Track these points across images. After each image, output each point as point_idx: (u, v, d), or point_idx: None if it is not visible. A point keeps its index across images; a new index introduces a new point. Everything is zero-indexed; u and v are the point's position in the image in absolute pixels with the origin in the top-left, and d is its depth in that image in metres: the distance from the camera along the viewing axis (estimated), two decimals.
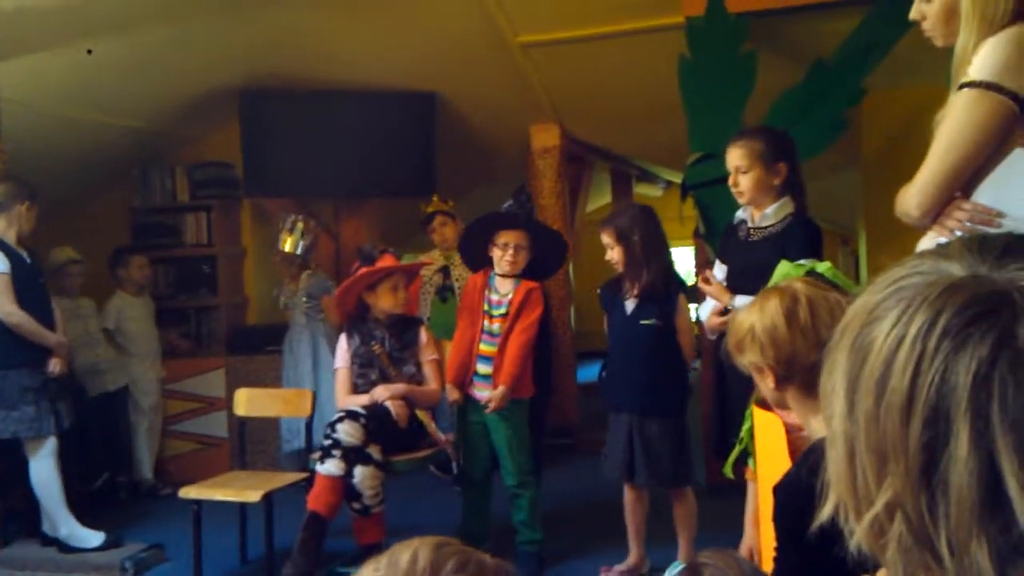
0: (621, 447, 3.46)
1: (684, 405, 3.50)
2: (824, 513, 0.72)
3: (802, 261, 2.31)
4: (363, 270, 3.79)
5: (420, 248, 5.58)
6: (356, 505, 3.50)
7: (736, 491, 2.70)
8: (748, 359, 1.60)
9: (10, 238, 3.97)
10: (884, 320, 0.66)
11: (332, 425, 3.54)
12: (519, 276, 3.80)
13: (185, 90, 5.27)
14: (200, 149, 5.93)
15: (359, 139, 5.45)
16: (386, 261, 3.83)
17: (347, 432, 3.50)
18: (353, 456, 3.49)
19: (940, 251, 0.69)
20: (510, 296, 3.78)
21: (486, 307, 3.82)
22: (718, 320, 3.00)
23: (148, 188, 5.83)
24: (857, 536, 0.67)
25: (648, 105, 5.17)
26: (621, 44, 4.78)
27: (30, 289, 3.96)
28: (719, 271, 3.17)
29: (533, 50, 4.98)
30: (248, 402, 4.12)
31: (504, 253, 3.75)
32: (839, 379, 0.69)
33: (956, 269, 0.66)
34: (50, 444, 3.96)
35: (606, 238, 3.49)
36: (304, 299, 5.28)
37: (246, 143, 5.39)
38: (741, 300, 2.82)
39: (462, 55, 5.12)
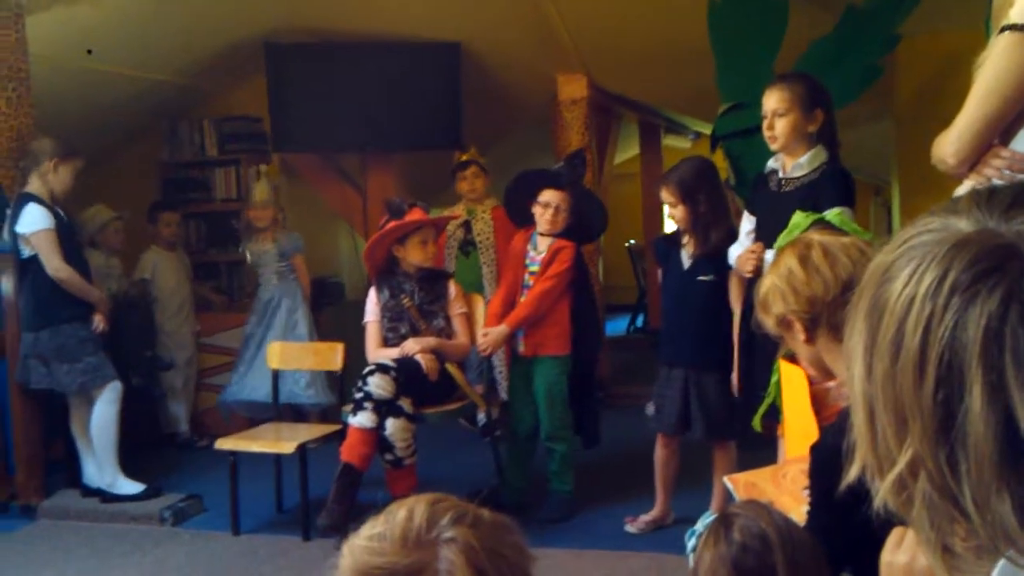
0: (676, 401, 3.46)
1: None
2: (851, 474, 0.73)
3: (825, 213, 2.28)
4: (392, 223, 3.80)
5: (446, 202, 5.58)
6: (388, 457, 3.55)
7: (763, 445, 2.71)
8: (775, 313, 1.60)
9: (43, 196, 4.01)
10: (896, 280, 0.66)
11: (363, 378, 3.58)
12: (557, 236, 3.81)
13: (210, 43, 5.26)
14: (227, 103, 5.93)
15: (384, 91, 5.42)
16: (415, 215, 3.83)
17: (378, 385, 3.54)
18: (384, 408, 3.53)
19: (950, 206, 0.68)
20: (545, 255, 3.81)
21: (527, 263, 3.87)
22: (752, 256, 2.96)
23: (177, 142, 5.87)
24: (882, 495, 0.68)
25: (677, 54, 5.08)
26: None
27: (70, 247, 4.03)
28: (747, 223, 3.13)
29: None
30: (280, 355, 4.18)
31: (544, 211, 3.78)
32: (857, 341, 0.69)
33: (965, 224, 0.65)
34: (116, 389, 4.08)
35: (668, 196, 3.41)
36: (276, 258, 5.20)
37: (272, 97, 5.38)
38: (772, 255, 2.79)
39: (487, 3, 5.06)
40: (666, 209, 3.51)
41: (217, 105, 5.93)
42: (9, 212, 4.01)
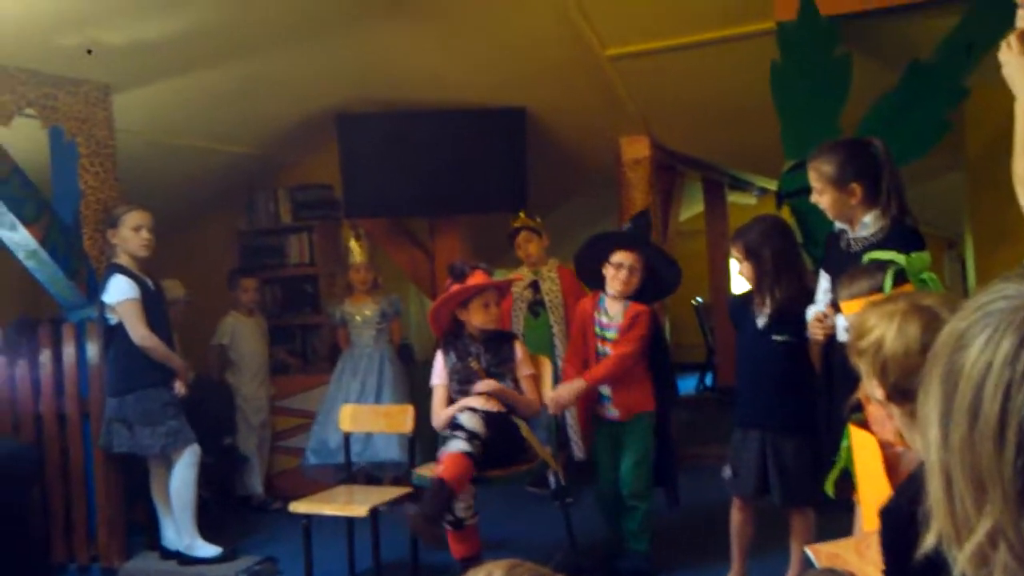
0: (753, 464, 3.38)
1: (818, 422, 3.36)
2: (928, 542, 0.71)
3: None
4: (455, 287, 3.85)
5: (512, 263, 5.64)
6: (449, 518, 3.55)
7: (843, 509, 2.64)
8: (863, 366, 1.54)
9: (128, 264, 4.17)
10: (972, 347, 0.66)
11: (454, 419, 3.61)
12: (629, 298, 3.81)
13: (286, 115, 5.47)
14: (301, 172, 6.14)
15: (452, 156, 5.55)
16: (477, 278, 3.87)
17: (470, 420, 3.55)
18: (477, 442, 3.51)
19: None
20: (619, 320, 3.80)
21: (597, 330, 3.85)
22: (818, 325, 2.96)
23: (254, 211, 6.08)
24: (960, 565, 0.67)
25: (740, 112, 5.11)
26: (711, 52, 4.74)
27: (155, 315, 4.17)
28: (824, 281, 3.11)
29: (621, 62, 4.99)
30: (352, 418, 4.23)
31: (617, 272, 3.77)
32: (932, 407, 0.69)
33: None
34: (195, 452, 4.18)
35: (735, 253, 3.43)
36: (378, 320, 5.31)
37: (343, 165, 5.55)
38: (842, 320, 2.78)
39: (551, 70, 5.16)
40: (735, 266, 3.50)
41: (291, 174, 6.14)
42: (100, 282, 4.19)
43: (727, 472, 3.47)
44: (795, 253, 3.45)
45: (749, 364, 3.48)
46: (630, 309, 3.80)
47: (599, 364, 3.79)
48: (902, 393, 1.49)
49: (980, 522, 0.64)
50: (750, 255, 3.36)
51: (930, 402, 0.70)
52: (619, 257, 3.78)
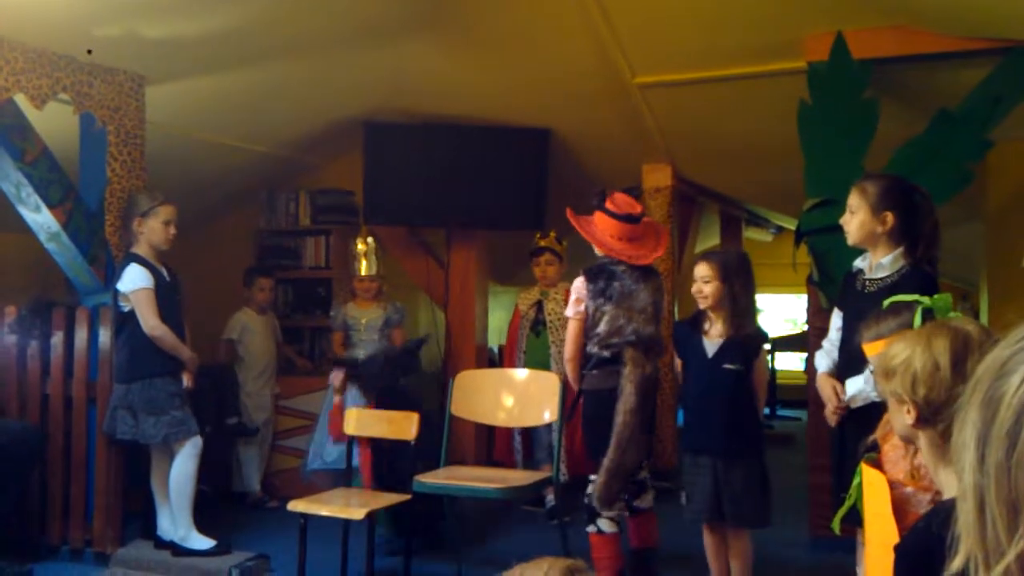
0: (706, 489, 3.42)
1: (763, 447, 3.50)
2: (954, 566, 0.72)
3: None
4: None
5: (525, 282, 5.66)
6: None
7: (836, 547, 2.65)
8: (892, 388, 1.52)
9: (146, 254, 4.21)
10: (1014, 374, 0.67)
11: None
12: None
13: (313, 120, 5.52)
14: (322, 176, 6.19)
15: (475, 171, 5.59)
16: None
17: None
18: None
19: None
20: None
21: None
22: (833, 413, 2.99)
23: (273, 211, 6.12)
24: None
25: (763, 149, 5.14)
26: (739, 87, 4.77)
27: (167, 305, 4.19)
28: (836, 319, 3.14)
29: (650, 91, 5.02)
30: (357, 422, 4.25)
31: None
32: (970, 432, 0.70)
33: None
34: (197, 444, 4.18)
35: (707, 271, 3.45)
36: (380, 325, 5.28)
37: (367, 171, 5.59)
38: (852, 385, 2.83)
39: (579, 94, 5.20)
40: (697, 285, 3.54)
41: (312, 177, 6.18)
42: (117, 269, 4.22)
43: (684, 499, 3.52)
44: (754, 295, 3.55)
45: (700, 391, 3.52)
46: None
47: None
48: (932, 411, 1.47)
49: (1011, 545, 0.65)
50: (726, 279, 3.41)
51: (968, 426, 0.71)
52: None
